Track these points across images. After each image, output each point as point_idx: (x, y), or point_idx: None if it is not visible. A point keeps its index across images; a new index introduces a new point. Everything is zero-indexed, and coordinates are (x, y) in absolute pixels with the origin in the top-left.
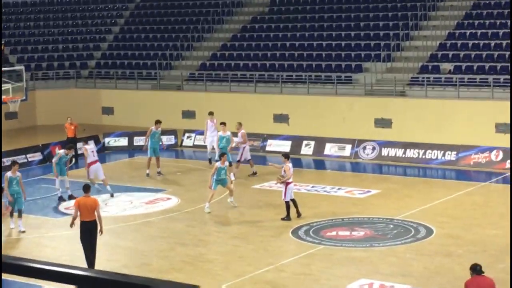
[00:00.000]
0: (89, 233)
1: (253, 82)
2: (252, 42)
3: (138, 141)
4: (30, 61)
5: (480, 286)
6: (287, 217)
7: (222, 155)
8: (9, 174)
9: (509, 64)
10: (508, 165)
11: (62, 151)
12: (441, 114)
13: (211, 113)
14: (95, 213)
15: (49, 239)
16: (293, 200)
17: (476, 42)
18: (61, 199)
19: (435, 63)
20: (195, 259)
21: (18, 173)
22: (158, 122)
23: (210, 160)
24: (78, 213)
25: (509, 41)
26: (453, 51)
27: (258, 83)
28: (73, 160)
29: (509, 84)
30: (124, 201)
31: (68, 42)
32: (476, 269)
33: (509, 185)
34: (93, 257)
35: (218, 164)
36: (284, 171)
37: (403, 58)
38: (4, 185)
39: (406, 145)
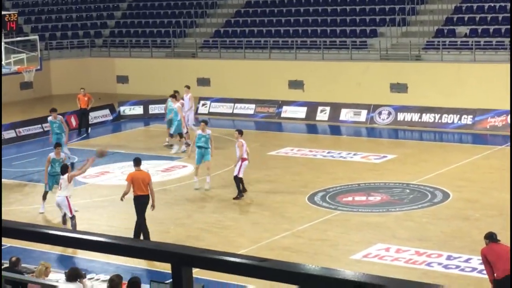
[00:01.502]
0: (141, 207)
1: (268, 49)
2: (266, 8)
3: (154, 109)
4: (44, 30)
5: (497, 253)
6: (239, 194)
7: (202, 121)
8: (52, 155)
9: None
10: None
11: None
12: (457, 78)
13: (187, 87)
14: (148, 187)
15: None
16: (240, 178)
17: (492, 4)
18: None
19: (451, 27)
20: (211, 225)
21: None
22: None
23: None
24: (131, 187)
25: None
26: (469, 14)
27: (273, 49)
28: (70, 167)
29: None
30: None
31: (82, 11)
32: (492, 237)
33: None
34: (143, 230)
35: (198, 131)
36: (238, 147)
37: (418, 22)
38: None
39: (422, 110)
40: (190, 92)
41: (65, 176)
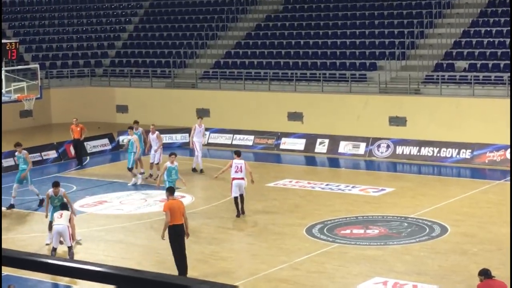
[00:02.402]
0: (178, 237)
1: (267, 80)
2: (266, 40)
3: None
4: (45, 59)
5: None
6: (238, 213)
7: (171, 154)
8: (50, 192)
9: None
10: None
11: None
12: (455, 112)
13: (200, 117)
14: (183, 215)
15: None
16: (241, 196)
17: (491, 39)
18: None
19: (450, 61)
20: (209, 257)
21: (62, 190)
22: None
23: (194, 169)
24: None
25: None
26: (468, 49)
27: (272, 81)
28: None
29: None
30: (139, 199)
31: (83, 41)
32: (487, 274)
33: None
34: (185, 262)
35: (168, 163)
36: (230, 166)
37: (417, 56)
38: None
39: (420, 143)
40: (203, 123)
41: (68, 212)
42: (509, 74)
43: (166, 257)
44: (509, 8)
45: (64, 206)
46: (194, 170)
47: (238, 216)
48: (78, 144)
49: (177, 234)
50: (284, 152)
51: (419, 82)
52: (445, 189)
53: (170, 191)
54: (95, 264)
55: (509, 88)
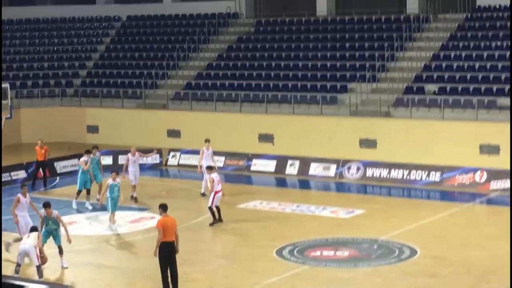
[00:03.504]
0: (168, 254)
1: (239, 102)
2: (237, 62)
3: (123, 159)
4: (15, 78)
5: None
6: (215, 221)
7: (113, 172)
8: (43, 212)
9: (492, 86)
10: (492, 187)
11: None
12: (425, 135)
13: (207, 141)
14: (175, 233)
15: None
16: (217, 207)
17: (461, 63)
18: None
19: (420, 84)
20: (179, 278)
21: (56, 212)
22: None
23: (203, 194)
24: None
25: (493, 63)
26: (438, 72)
27: (244, 102)
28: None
29: (504, 107)
30: (108, 219)
31: (54, 60)
32: None
33: (495, 206)
34: (176, 279)
35: (110, 180)
36: (209, 182)
37: (388, 79)
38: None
39: (390, 166)
40: (210, 147)
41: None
42: (477, 97)
43: (135, 278)
44: (478, 33)
45: (34, 229)
46: (203, 194)
47: (214, 223)
48: (43, 166)
49: (168, 251)
50: (255, 174)
51: (389, 105)
52: (415, 211)
53: (163, 207)
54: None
55: (510, 112)
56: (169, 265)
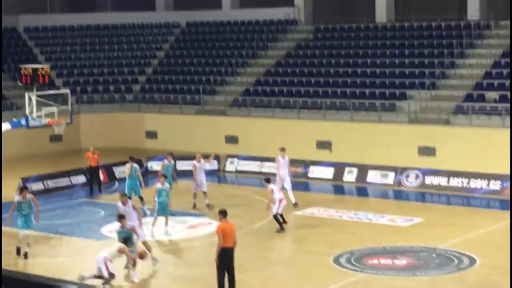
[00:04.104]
0: (227, 260)
1: (297, 109)
2: (296, 68)
3: (182, 165)
4: (76, 84)
5: None
6: (281, 228)
7: (162, 175)
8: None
9: None
10: None
11: (17, 197)
12: (486, 143)
13: (283, 149)
14: (233, 239)
15: (92, 262)
16: (281, 215)
17: None
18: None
19: (481, 92)
20: (236, 284)
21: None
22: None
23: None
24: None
25: None
26: (499, 80)
27: (302, 109)
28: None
29: None
30: (167, 225)
31: (114, 66)
32: None
33: None
34: (234, 285)
35: (158, 185)
36: (269, 194)
37: (448, 86)
38: None
39: (450, 174)
40: (286, 155)
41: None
42: None
43: (192, 284)
44: None
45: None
46: (295, 204)
47: (280, 231)
48: (96, 172)
49: (227, 257)
50: (312, 180)
51: (449, 113)
52: (474, 220)
53: (223, 213)
54: None
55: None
56: (227, 271)
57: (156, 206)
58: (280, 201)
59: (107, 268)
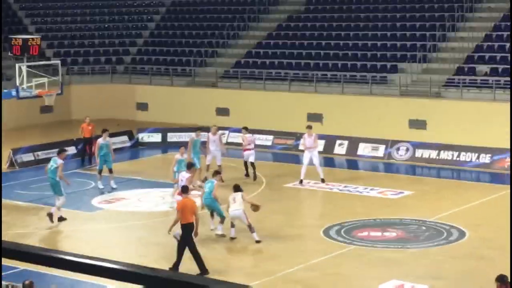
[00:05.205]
0: (188, 236)
1: (288, 81)
2: (287, 41)
3: (172, 137)
4: (67, 55)
5: None
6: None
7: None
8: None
9: None
10: None
11: (60, 160)
12: (476, 116)
13: (309, 127)
14: (195, 215)
15: (83, 232)
16: (252, 164)
17: None
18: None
19: (471, 65)
20: (226, 256)
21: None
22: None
23: (301, 181)
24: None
25: None
26: (490, 53)
27: (293, 81)
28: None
29: None
30: (157, 196)
31: (105, 38)
32: (503, 280)
33: None
34: (199, 259)
35: (177, 156)
36: (242, 140)
37: (439, 59)
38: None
39: (440, 147)
40: (313, 133)
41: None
42: None
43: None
44: None
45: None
46: (323, 180)
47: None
48: (90, 143)
49: (189, 232)
50: (303, 153)
51: (440, 86)
52: (464, 193)
53: (184, 189)
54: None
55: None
56: (188, 247)
57: (176, 176)
58: (245, 150)
59: (247, 218)
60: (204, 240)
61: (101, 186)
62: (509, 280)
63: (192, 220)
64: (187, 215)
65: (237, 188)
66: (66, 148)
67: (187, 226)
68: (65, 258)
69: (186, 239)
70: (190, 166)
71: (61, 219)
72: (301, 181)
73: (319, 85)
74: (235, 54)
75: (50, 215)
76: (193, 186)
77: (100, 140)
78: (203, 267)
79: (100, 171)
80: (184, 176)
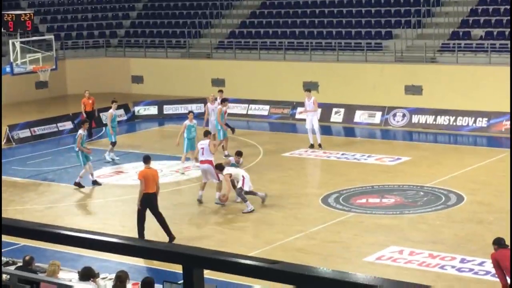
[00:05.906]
0: (150, 206)
1: (282, 50)
2: (281, 10)
3: (168, 109)
4: (60, 30)
5: (507, 258)
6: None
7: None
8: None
9: None
10: None
11: (81, 131)
12: (472, 81)
13: (308, 90)
14: (156, 185)
15: (80, 207)
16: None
17: (508, 7)
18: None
19: (466, 29)
20: (225, 226)
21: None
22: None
23: (312, 145)
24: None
25: None
26: (484, 17)
27: (287, 50)
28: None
29: None
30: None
31: (97, 11)
32: (500, 243)
33: None
34: (166, 226)
35: (187, 122)
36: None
37: (433, 24)
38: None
39: (436, 112)
40: (313, 96)
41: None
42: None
43: (182, 226)
44: None
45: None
46: (320, 146)
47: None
48: (91, 117)
49: (150, 203)
50: (299, 122)
51: (435, 51)
52: (461, 157)
53: (146, 159)
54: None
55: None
56: (154, 216)
57: (186, 142)
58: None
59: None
60: (203, 207)
61: (109, 159)
62: (506, 243)
63: (155, 190)
64: (150, 184)
65: (239, 154)
66: (85, 120)
67: (149, 195)
68: (65, 233)
69: (144, 209)
70: (206, 133)
71: (95, 183)
72: (311, 145)
73: (314, 54)
74: (229, 24)
75: (78, 184)
76: (216, 147)
77: (111, 111)
78: (170, 233)
79: (114, 143)
80: (202, 143)
